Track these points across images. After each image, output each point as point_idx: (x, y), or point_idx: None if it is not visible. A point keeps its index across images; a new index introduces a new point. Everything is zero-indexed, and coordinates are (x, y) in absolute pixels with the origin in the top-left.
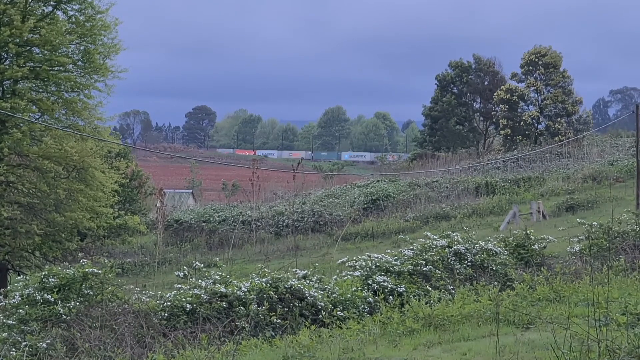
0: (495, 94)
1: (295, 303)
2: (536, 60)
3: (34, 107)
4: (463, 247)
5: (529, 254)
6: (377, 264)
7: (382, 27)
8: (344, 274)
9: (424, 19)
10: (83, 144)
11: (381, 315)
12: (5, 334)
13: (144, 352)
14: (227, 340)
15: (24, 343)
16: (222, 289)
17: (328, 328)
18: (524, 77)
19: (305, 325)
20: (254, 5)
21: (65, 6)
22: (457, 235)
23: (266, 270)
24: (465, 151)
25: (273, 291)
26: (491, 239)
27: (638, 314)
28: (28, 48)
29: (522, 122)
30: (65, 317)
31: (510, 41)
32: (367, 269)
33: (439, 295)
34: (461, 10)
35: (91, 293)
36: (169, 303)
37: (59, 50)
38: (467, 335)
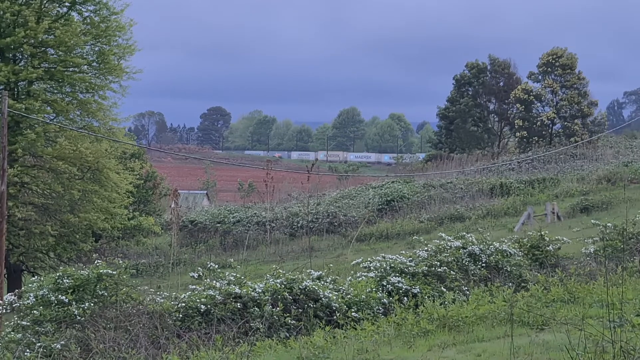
0: (512, 93)
1: (309, 304)
2: (553, 61)
3: (48, 108)
4: (477, 248)
5: (543, 255)
6: (392, 265)
7: (398, 28)
8: (358, 275)
9: (440, 20)
10: (98, 145)
11: (395, 316)
12: (19, 335)
13: (158, 353)
14: (241, 341)
15: (39, 344)
16: (237, 290)
17: (342, 329)
18: (540, 77)
19: (320, 326)
20: (270, 6)
21: (80, 7)
22: (471, 237)
23: (280, 271)
24: (480, 152)
25: (287, 292)
26: (506, 240)
27: None
28: (43, 49)
29: (538, 123)
30: (79, 318)
31: (526, 42)
32: (382, 270)
33: (454, 296)
34: (477, 11)
35: (105, 294)
36: (183, 304)
37: (74, 51)
38: (482, 337)
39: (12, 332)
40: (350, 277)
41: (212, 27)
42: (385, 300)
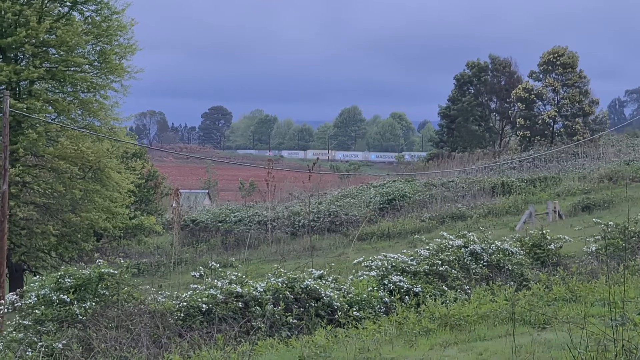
0: (513, 92)
1: (311, 303)
2: (554, 60)
3: (50, 107)
4: (479, 247)
5: (545, 254)
6: (393, 264)
7: (400, 28)
8: (360, 274)
9: (441, 20)
10: (99, 145)
11: (397, 315)
12: (21, 335)
13: (160, 353)
14: (243, 340)
15: (40, 343)
16: (238, 289)
17: (344, 328)
18: (541, 76)
19: (321, 326)
20: (271, 6)
21: (81, 7)
22: (473, 235)
23: (282, 270)
24: (482, 151)
25: (289, 291)
26: (507, 239)
27: None
28: (44, 49)
29: (539, 121)
30: (81, 317)
31: (527, 42)
32: (383, 269)
33: (455, 295)
34: (478, 11)
35: (107, 293)
36: (185, 303)
37: (75, 51)
38: (484, 335)
39: (14, 332)
40: (351, 276)
41: (213, 26)
42: (386, 299)
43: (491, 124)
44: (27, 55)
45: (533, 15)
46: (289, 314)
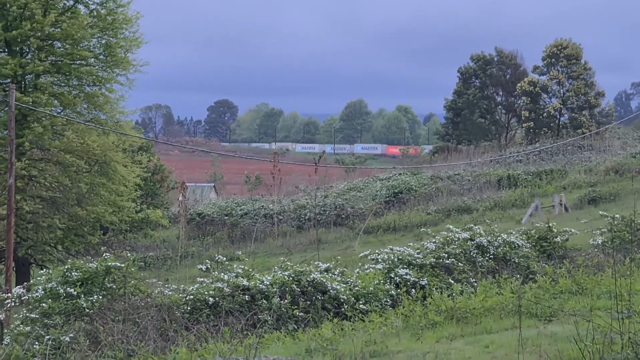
0: (518, 85)
1: (317, 296)
2: (557, 52)
3: (55, 101)
4: (485, 240)
5: (551, 247)
6: (400, 257)
7: (405, 21)
8: (366, 267)
9: (447, 13)
10: (105, 138)
11: (403, 308)
12: (28, 328)
13: (166, 346)
14: (249, 333)
15: (47, 337)
16: (245, 283)
17: (350, 321)
18: (545, 69)
19: (328, 319)
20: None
21: (87, 0)
22: (479, 228)
23: (288, 263)
24: (488, 144)
25: (295, 284)
26: (513, 232)
27: None
28: (49, 42)
29: (545, 114)
30: (88, 310)
31: (533, 35)
32: (390, 262)
33: (461, 288)
34: (484, 4)
35: (114, 287)
36: (191, 296)
37: (81, 44)
38: (490, 328)
39: (21, 325)
40: (358, 269)
41: (219, 19)
42: (393, 292)
43: (497, 117)
44: (33, 49)
45: (539, 8)
46: (296, 307)
